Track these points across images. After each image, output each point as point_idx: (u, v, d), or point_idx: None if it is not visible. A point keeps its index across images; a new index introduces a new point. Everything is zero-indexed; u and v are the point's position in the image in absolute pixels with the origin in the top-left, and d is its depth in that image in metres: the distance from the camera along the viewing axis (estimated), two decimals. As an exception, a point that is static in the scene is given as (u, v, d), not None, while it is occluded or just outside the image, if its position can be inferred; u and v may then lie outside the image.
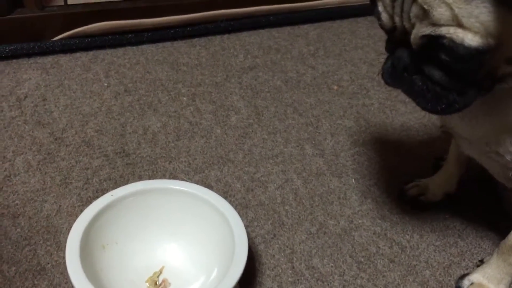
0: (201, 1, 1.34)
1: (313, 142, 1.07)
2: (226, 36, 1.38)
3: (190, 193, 0.76)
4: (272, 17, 1.42)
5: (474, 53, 0.52)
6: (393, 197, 0.96)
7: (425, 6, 0.52)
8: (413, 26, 0.55)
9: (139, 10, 1.28)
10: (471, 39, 0.51)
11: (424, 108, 0.62)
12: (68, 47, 1.23)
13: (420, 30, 0.54)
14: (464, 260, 0.85)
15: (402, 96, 1.22)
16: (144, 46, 1.29)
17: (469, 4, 0.50)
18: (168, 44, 1.32)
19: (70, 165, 0.95)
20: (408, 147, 1.08)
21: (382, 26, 0.60)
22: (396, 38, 0.59)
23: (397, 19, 0.57)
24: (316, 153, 1.04)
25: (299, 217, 0.90)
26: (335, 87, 1.24)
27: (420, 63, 0.58)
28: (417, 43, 0.56)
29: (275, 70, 1.27)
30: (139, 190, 0.76)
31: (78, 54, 1.24)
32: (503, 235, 0.77)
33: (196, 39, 1.35)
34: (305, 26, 1.46)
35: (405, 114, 1.17)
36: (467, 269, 0.84)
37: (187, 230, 0.76)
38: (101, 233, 0.72)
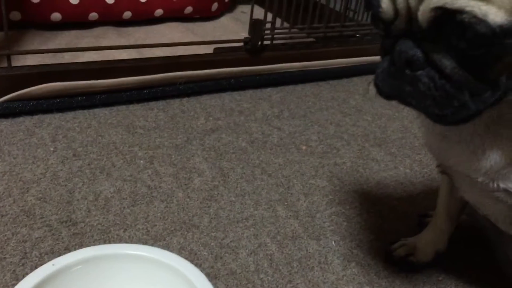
0: (159, 63, 1.27)
1: (286, 203, 0.97)
2: (185, 99, 1.31)
3: (149, 258, 0.63)
4: (233, 80, 1.37)
5: (498, 33, 0.44)
6: (379, 259, 0.86)
7: None
8: (420, 1, 0.47)
9: (92, 72, 1.20)
10: (495, 15, 0.43)
11: (429, 113, 0.53)
12: (9, 111, 1.11)
13: (432, 1, 0.46)
14: (467, 326, 0.75)
15: (375, 154, 1.17)
16: (96, 110, 1.20)
17: None
18: (123, 107, 1.23)
19: (5, 237, 0.81)
20: (388, 205, 1.00)
21: (380, 17, 0.52)
22: (397, 29, 0.51)
23: (400, 0, 0.49)
24: (290, 215, 0.94)
25: (277, 286, 0.78)
26: (304, 147, 1.17)
27: (428, 53, 0.50)
28: (427, 18, 0.47)
29: (239, 132, 1.20)
30: (88, 257, 0.62)
31: (21, 118, 1.12)
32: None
33: (153, 102, 1.26)
34: (268, 90, 1.42)
35: (379, 172, 1.10)
36: (472, 336, 0.73)
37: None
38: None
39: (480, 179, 0.63)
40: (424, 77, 0.51)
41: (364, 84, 1.53)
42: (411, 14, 0.49)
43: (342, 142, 1.20)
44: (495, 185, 0.62)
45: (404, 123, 1.32)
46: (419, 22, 0.49)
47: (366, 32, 1.60)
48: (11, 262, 0.76)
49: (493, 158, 0.60)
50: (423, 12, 0.48)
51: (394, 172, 1.11)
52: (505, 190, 0.62)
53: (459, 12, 0.44)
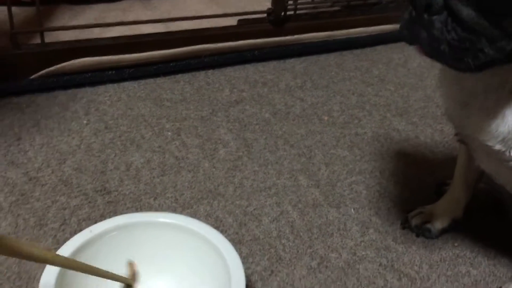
0: (184, 36, 1.31)
1: (307, 172, 1.01)
2: (210, 71, 1.34)
3: (179, 226, 0.69)
4: (256, 52, 1.39)
5: None
6: (397, 226, 0.89)
7: None
8: None
9: (120, 46, 1.24)
10: None
11: (445, 60, 0.55)
12: (45, 86, 1.17)
13: None
14: (479, 290, 0.78)
15: (396, 124, 1.19)
16: (125, 83, 1.25)
17: None
18: (150, 80, 1.27)
19: (46, 205, 0.87)
20: (407, 175, 1.03)
21: None
22: None
23: None
24: (311, 184, 0.98)
25: (298, 251, 0.83)
26: (326, 118, 1.19)
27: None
28: None
29: (262, 103, 1.23)
30: (122, 225, 0.68)
31: (55, 93, 1.18)
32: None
33: (179, 74, 1.30)
34: (291, 60, 1.44)
35: (400, 142, 1.12)
36: (484, 299, 0.77)
37: (176, 267, 0.68)
38: (79, 275, 0.64)
39: (497, 148, 0.65)
40: (438, 22, 0.53)
41: (388, 53, 1.53)
42: None
43: (363, 112, 1.22)
44: (510, 153, 0.64)
45: (427, 92, 1.33)
46: None
47: (390, 0, 1.58)
48: (52, 228, 0.83)
49: (510, 126, 0.62)
50: None
51: (415, 142, 1.13)
52: None
53: None
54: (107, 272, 0.62)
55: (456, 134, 0.77)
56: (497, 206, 0.89)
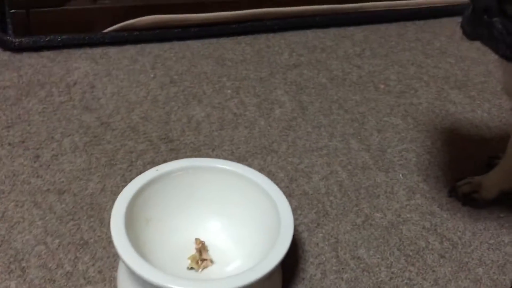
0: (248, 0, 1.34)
1: (359, 137, 1.04)
2: (271, 35, 1.37)
3: (236, 172, 0.75)
4: (318, 18, 1.41)
5: None
6: (443, 193, 0.91)
7: None
8: None
9: (187, 5, 1.30)
10: None
11: (503, 54, 0.60)
12: (117, 40, 1.25)
13: None
14: (521, 259, 0.80)
15: (453, 96, 1.19)
16: (190, 42, 1.31)
17: None
18: (213, 40, 1.32)
19: (115, 148, 0.96)
20: (459, 146, 1.04)
21: None
22: None
23: None
24: (362, 148, 1.01)
25: (344, 208, 0.87)
26: (382, 86, 1.21)
27: (502, 3, 0.56)
28: None
29: (320, 68, 1.26)
30: (185, 167, 0.75)
31: (126, 47, 1.26)
32: None
33: (241, 36, 1.35)
34: (351, 28, 1.44)
35: (455, 114, 1.13)
36: (524, 268, 0.79)
37: (231, 210, 0.75)
38: (145, 207, 0.72)
39: None
40: (499, 24, 0.58)
41: (452, 25, 1.50)
42: None
43: (421, 83, 1.23)
44: None
45: (489, 67, 1.31)
46: None
47: (460, -29, 1.54)
48: (120, 168, 0.91)
49: None
50: None
51: (471, 115, 1.13)
52: None
53: None
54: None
55: None
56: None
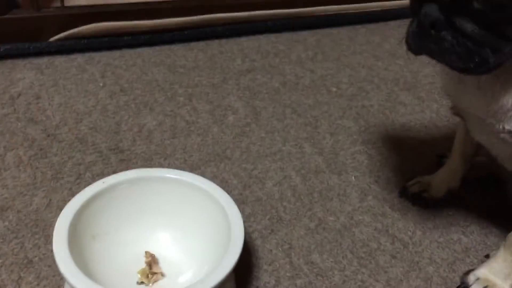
0: (199, 5, 1.33)
1: (312, 141, 1.05)
2: (224, 40, 1.37)
3: (185, 182, 0.73)
4: (270, 23, 1.41)
5: None
6: (395, 194, 0.93)
7: None
8: None
9: (137, 12, 1.28)
10: None
11: (454, 66, 0.60)
12: (64, 48, 1.22)
13: None
14: (468, 256, 0.82)
15: (403, 98, 1.22)
16: (141, 49, 1.28)
17: None
18: (165, 47, 1.31)
19: (63, 160, 0.93)
20: (409, 147, 1.06)
21: None
22: None
23: None
24: (315, 152, 1.02)
25: (298, 213, 0.87)
26: (334, 89, 1.22)
27: (450, 16, 0.56)
28: None
29: (273, 73, 1.26)
30: (133, 178, 0.73)
31: (74, 55, 1.22)
32: (508, 231, 0.74)
33: (194, 42, 1.34)
34: (304, 33, 1.46)
35: (405, 115, 1.15)
36: (472, 265, 0.80)
37: (182, 220, 0.73)
38: (91, 222, 0.69)
39: (488, 121, 0.68)
40: (448, 36, 0.57)
41: (401, 28, 1.53)
42: None
43: (372, 85, 1.25)
44: (501, 126, 0.67)
45: (436, 68, 1.33)
46: None
47: (407, -25, 1.58)
48: (68, 181, 0.89)
49: (501, 101, 0.65)
50: None
51: (420, 116, 1.15)
52: (510, 132, 0.67)
53: None
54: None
55: (452, 108, 0.80)
56: (493, 178, 0.92)
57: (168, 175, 0.74)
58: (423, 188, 0.91)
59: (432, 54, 0.61)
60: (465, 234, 0.86)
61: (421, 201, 0.90)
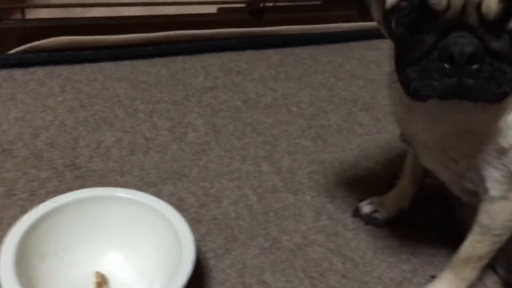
0: (164, 21, 1.34)
1: (270, 160, 1.06)
2: (187, 57, 1.38)
3: (138, 201, 0.74)
4: (234, 41, 1.43)
5: None
6: (348, 214, 0.95)
7: None
8: None
9: (100, 27, 1.27)
10: None
11: (489, 96, 0.53)
12: (23, 61, 1.20)
13: None
14: (416, 276, 0.85)
15: (361, 118, 1.24)
16: (103, 64, 1.28)
17: None
18: (128, 62, 1.30)
19: (16, 176, 0.91)
20: (364, 167, 1.09)
21: (431, 7, 0.50)
22: (448, 21, 0.50)
23: None
24: (273, 171, 1.03)
25: (253, 232, 0.88)
26: (294, 109, 1.24)
27: (487, 43, 0.50)
28: (495, 10, 0.47)
29: (235, 91, 1.28)
30: (84, 198, 0.73)
31: (33, 69, 1.21)
32: (455, 252, 0.77)
33: (156, 58, 1.34)
34: (267, 51, 1.48)
35: (362, 136, 1.18)
36: (419, 285, 0.83)
37: (133, 239, 0.73)
38: (41, 242, 0.69)
39: (434, 148, 0.71)
40: (487, 66, 0.52)
41: (362, 49, 1.57)
42: (466, 5, 0.49)
43: (331, 106, 1.27)
44: (445, 154, 0.70)
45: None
46: (483, 14, 0.48)
47: (369, -2, 1.63)
48: (20, 198, 0.87)
49: (445, 130, 0.68)
50: (489, 6, 0.48)
51: (376, 136, 1.18)
52: (453, 160, 0.70)
53: None
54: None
55: (401, 134, 0.83)
56: (442, 200, 0.95)
57: (119, 195, 0.74)
58: (375, 208, 0.93)
59: (463, 93, 0.54)
60: (414, 254, 0.88)
61: (374, 221, 0.93)
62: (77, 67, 1.25)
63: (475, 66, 0.52)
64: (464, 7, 0.49)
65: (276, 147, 1.10)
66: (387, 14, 0.54)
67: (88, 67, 1.26)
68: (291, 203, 0.96)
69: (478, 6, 0.49)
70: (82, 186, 0.91)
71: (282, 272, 0.82)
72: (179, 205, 0.91)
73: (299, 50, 1.52)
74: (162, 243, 0.71)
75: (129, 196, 0.74)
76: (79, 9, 1.38)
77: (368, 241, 0.90)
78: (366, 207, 0.94)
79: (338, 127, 1.20)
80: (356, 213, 0.94)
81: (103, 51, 1.28)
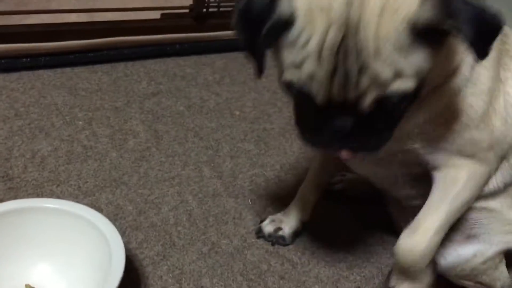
0: (106, 27, 1.32)
1: (212, 164, 1.06)
2: (130, 63, 1.36)
3: (66, 211, 0.72)
4: (178, 46, 1.42)
5: (411, 94, 0.57)
6: (288, 215, 0.96)
7: (374, 74, 0.55)
8: (361, 95, 0.56)
9: (39, 34, 1.24)
10: (410, 85, 0.56)
11: (372, 150, 0.63)
12: (-45, 70, 1.16)
13: (371, 95, 0.56)
14: (352, 274, 0.86)
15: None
16: (41, 71, 1.25)
17: (407, 56, 0.55)
18: (67, 69, 1.28)
19: None
20: (305, 169, 1.10)
21: (314, 103, 0.59)
22: (331, 110, 0.59)
23: (336, 93, 0.57)
24: (214, 175, 1.03)
25: (192, 237, 0.88)
26: (237, 113, 1.25)
27: (366, 122, 0.59)
28: (370, 106, 0.57)
29: (178, 96, 1.27)
30: (11, 210, 0.71)
31: (-34, 77, 1.17)
32: (391, 248, 0.79)
33: (98, 65, 1.32)
34: (212, 56, 1.48)
35: (304, 138, 1.19)
36: (355, 282, 0.85)
37: (63, 250, 0.72)
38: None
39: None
40: (364, 134, 0.61)
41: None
42: (345, 101, 0.57)
43: (274, 109, 1.29)
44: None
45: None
46: (360, 108, 0.57)
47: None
48: None
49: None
50: (366, 105, 0.57)
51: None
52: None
53: (391, 94, 0.56)
54: None
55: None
56: (372, 195, 0.95)
57: (46, 205, 0.73)
58: (277, 225, 0.90)
59: (335, 148, 0.64)
60: (350, 252, 0.90)
61: (280, 240, 0.89)
62: (14, 75, 1.21)
63: (351, 138, 0.60)
64: (342, 104, 0.58)
65: (218, 151, 1.11)
66: (281, 83, 0.63)
67: (25, 75, 1.23)
68: (232, 207, 0.96)
69: (355, 105, 0.57)
70: (15, 198, 0.89)
71: (220, 276, 0.82)
72: (117, 213, 0.90)
73: (243, 54, 1.52)
74: (92, 253, 0.70)
75: (56, 206, 0.73)
76: (18, 16, 1.34)
77: (306, 242, 0.91)
78: (268, 227, 0.89)
79: (281, 129, 1.21)
80: (260, 234, 0.90)
81: (41, 58, 1.25)
